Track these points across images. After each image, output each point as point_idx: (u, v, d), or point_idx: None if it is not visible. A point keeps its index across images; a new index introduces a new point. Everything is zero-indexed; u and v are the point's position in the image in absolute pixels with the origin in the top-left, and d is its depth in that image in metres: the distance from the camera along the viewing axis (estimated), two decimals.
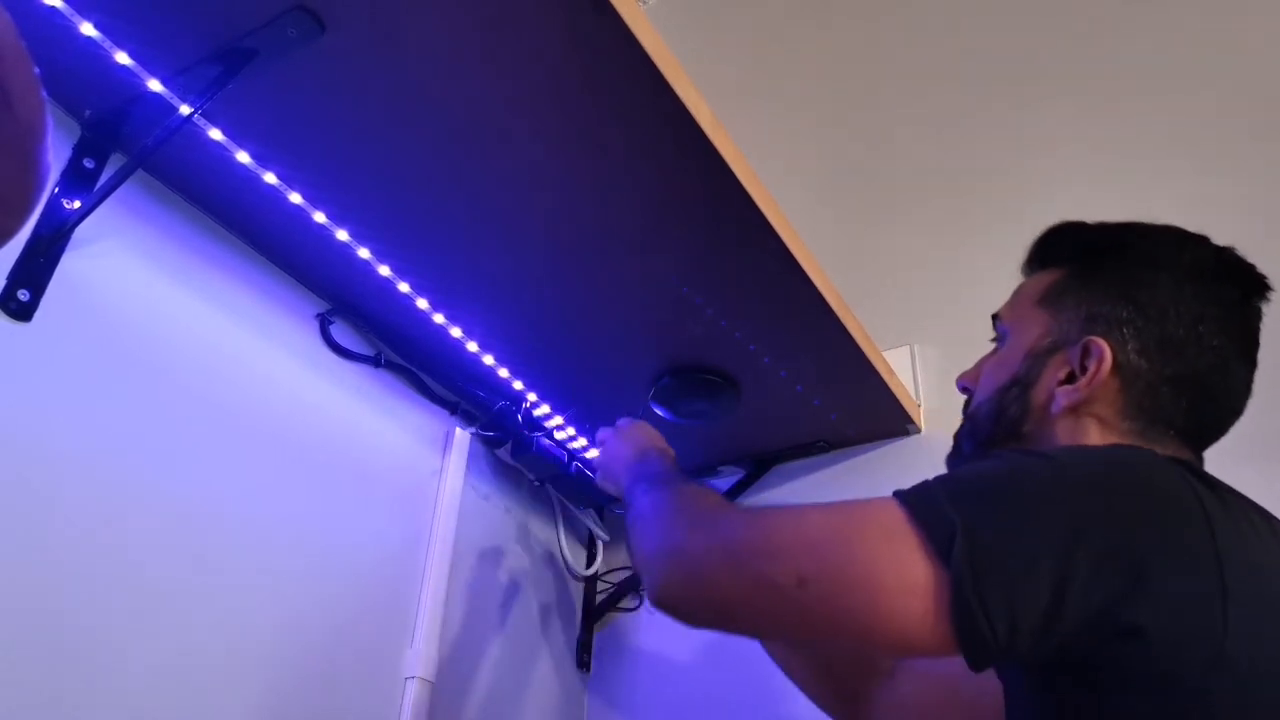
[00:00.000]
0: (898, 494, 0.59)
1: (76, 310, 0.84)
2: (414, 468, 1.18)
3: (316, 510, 1.02)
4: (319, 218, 0.96)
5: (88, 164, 0.87)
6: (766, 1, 1.92)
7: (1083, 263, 0.73)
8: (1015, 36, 1.51)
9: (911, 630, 0.54)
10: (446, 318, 1.11)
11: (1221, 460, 0.69)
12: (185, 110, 0.81)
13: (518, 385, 1.22)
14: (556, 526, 1.39)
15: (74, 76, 0.82)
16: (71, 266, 0.84)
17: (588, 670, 1.37)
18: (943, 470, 0.66)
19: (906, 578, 0.54)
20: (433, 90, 0.80)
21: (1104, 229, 0.74)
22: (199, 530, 0.89)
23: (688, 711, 1.27)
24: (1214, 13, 1.33)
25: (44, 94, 0.44)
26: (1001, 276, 0.83)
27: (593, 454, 1.27)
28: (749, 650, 0.98)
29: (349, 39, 0.76)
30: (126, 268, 0.90)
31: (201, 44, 0.78)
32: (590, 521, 1.41)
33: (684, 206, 0.91)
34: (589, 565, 1.42)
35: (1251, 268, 0.70)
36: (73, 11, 0.76)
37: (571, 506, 1.39)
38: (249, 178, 0.91)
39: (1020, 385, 0.72)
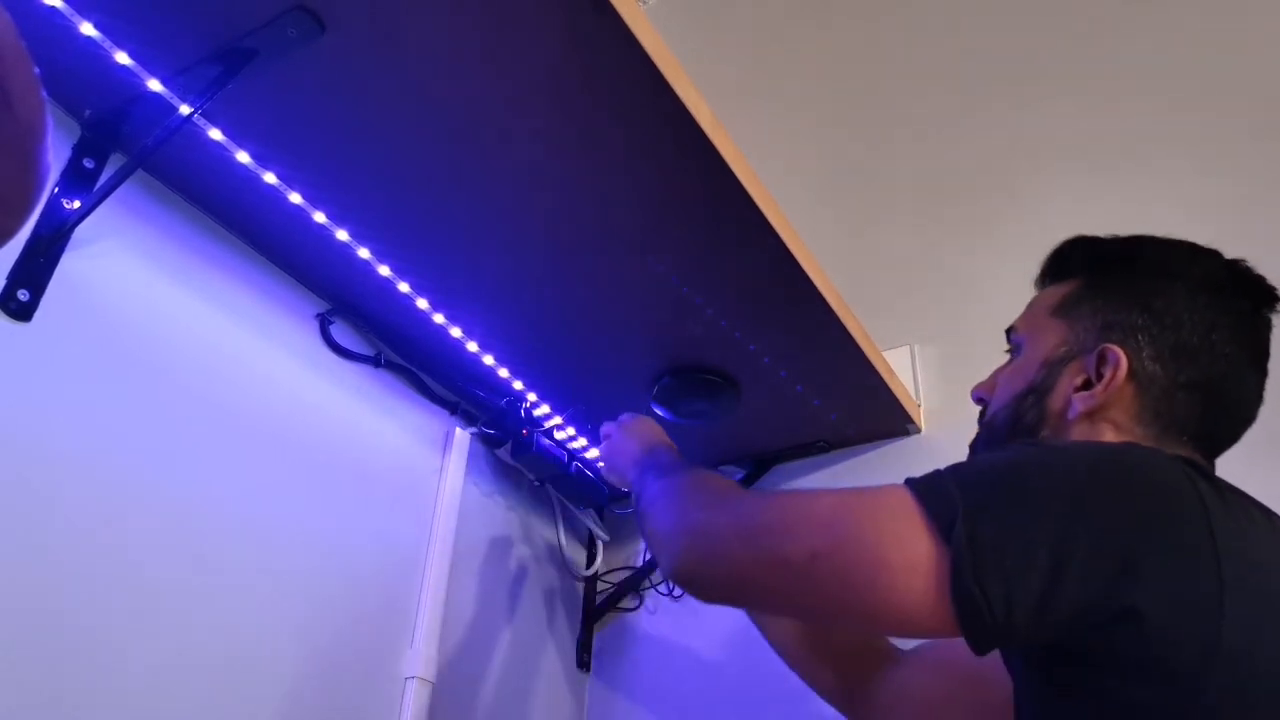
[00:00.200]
0: (908, 480, 0.61)
1: (76, 310, 0.84)
2: (414, 468, 1.18)
3: (316, 510, 1.02)
4: (319, 218, 0.96)
5: (88, 164, 0.87)
6: (766, 1, 1.92)
7: (1097, 273, 0.74)
8: (1015, 36, 1.51)
9: (913, 608, 0.56)
10: (446, 318, 1.11)
11: (1222, 460, 0.70)
12: (185, 110, 0.81)
13: (518, 385, 1.22)
14: (556, 526, 1.39)
15: (74, 76, 0.82)
16: (71, 266, 0.84)
17: (588, 670, 1.37)
18: None
19: (910, 555, 0.56)
20: (433, 90, 0.80)
21: (1117, 242, 0.76)
22: (199, 530, 0.89)
23: (688, 711, 1.27)
24: (1214, 13, 1.33)
25: (44, 94, 0.44)
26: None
27: (593, 454, 1.27)
28: (749, 649, 0.98)
29: (349, 39, 0.76)
30: (126, 268, 0.90)
31: (201, 44, 0.78)
32: (590, 521, 1.41)
33: (684, 206, 0.91)
34: (589, 565, 1.42)
35: (1261, 279, 0.71)
36: (73, 11, 0.76)
37: (571, 506, 1.39)
38: (249, 178, 0.91)
39: (1037, 393, 0.73)
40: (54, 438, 0.80)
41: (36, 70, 0.43)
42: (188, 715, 0.84)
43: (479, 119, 0.83)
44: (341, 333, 1.11)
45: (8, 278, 0.79)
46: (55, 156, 0.71)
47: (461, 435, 1.24)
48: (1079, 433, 0.69)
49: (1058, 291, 0.76)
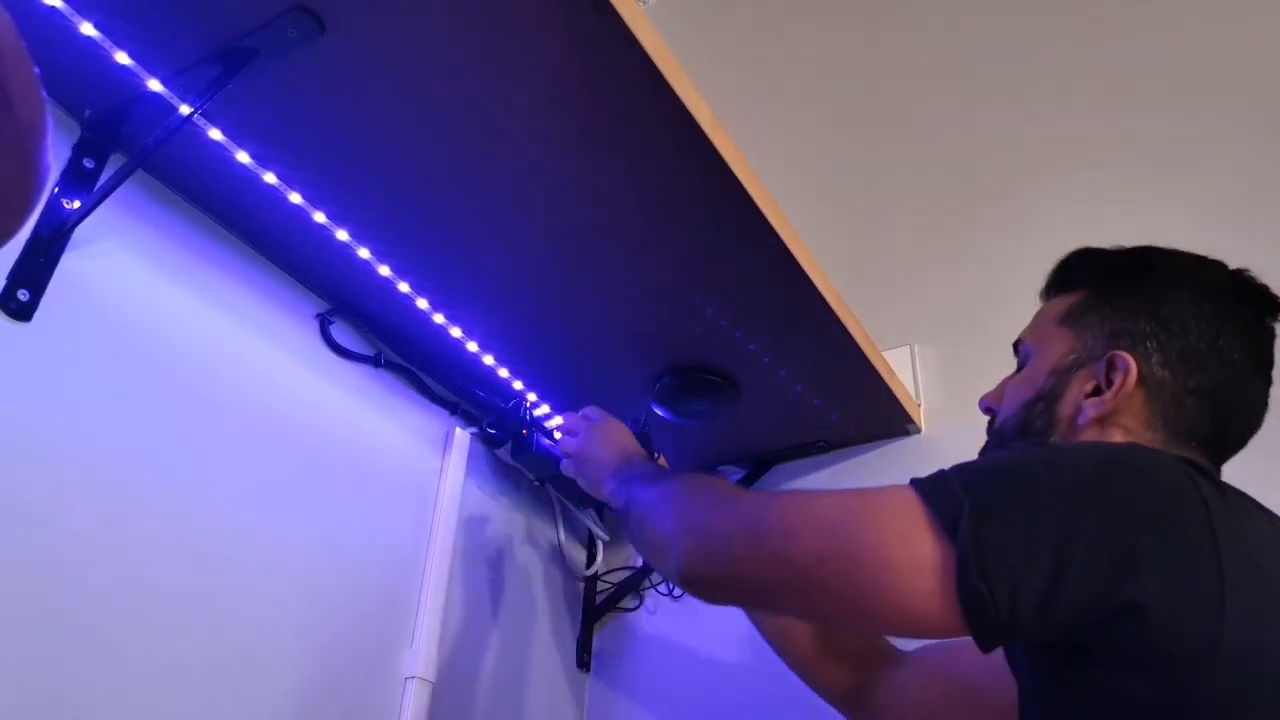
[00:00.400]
0: (913, 481, 0.61)
1: (76, 310, 0.84)
2: (414, 468, 1.18)
3: (316, 510, 1.02)
4: (319, 218, 0.96)
5: (88, 164, 0.87)
6: (766, 1, 1.92)
7: (1104, 283, 0.75)
8: (1015, 36, 1.51)
9: (920, 608, 0.56)
10: (446, 318, 1.11)
11: (1225, 465, 0.70)
12: (185, 110, 0.81)
13: (518, 385, 1.22)
14: (556, 526, 1.39)
15: (74, 76, 0.82)
16: (71, 266, 0.84)
17: (588, 670, 1.37)
18: None
19: (915, 556, 0.56)
20: (433, 90, 0.80)
21: (1123, 252, 0.76)
22: (199, 530, 0.89)
23: (688, 711, 1.27)
24: (1215, 13, 1.33)
25: (44, 94, 0.44)
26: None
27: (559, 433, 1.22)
28: (749, 650, 0.98)
29: (349, 39, 0.76)
30: (126, 268, 0.90)
31: (201, 44, 0.78)
32: (590, 521, 1.41)
33: (684, 207, 0.91)
34: (589, 565, 1.42)
35: (1265, 289, 0.72)
36: (73, 11, 0.76)
37: (571, 506, 1.39)
38: (249, 178, 0.91)
39: (1045, 400, 0.73)
40: (54, 438, 0.80)
41: (36, 70, 0.43)
42: (188, 715, 0.84)
43: (479, 119, 0.83)
44: (341, 333, 1.11)
45: (8, 278, 0.79)
46: (55, 156, 0.71)
47: (461, 435, 1.24)
48: (1089, 438, 0.70)
49: (1064, 301, 0.77)
